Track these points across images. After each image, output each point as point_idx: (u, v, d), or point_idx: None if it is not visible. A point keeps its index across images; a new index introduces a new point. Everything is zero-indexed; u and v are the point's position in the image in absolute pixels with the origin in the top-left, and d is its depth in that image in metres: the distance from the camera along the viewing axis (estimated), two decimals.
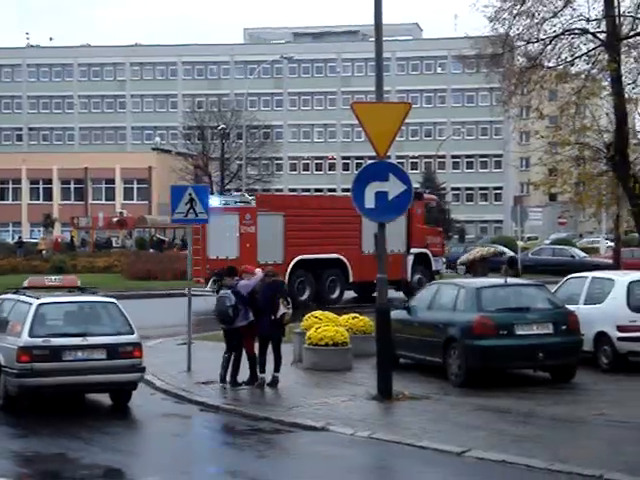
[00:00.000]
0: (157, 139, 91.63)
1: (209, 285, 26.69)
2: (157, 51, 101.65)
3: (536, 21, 22.92)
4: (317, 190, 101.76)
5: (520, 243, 44.08)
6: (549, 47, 23.20)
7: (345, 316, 18.87)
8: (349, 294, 31.87)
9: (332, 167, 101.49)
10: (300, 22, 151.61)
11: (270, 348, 15.82)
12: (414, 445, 11.38)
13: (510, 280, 17.55)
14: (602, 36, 22.57)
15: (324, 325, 17.48)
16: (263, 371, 15.74)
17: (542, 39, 23.19)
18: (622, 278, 17.55)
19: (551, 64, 23.77)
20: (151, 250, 54.95)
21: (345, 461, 11.32)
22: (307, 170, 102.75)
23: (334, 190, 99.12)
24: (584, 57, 23.23)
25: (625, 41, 22.48)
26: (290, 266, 28.67)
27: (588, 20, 22.77)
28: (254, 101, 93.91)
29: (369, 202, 14.50)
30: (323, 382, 16.06)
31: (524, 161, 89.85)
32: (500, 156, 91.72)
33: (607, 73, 22.51)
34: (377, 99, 15.11)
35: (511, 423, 12.45)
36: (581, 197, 24.71)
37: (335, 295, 30.12)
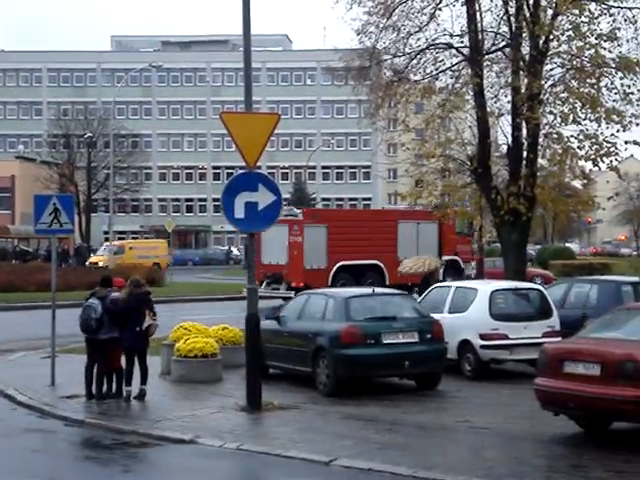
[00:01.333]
0: (21, 147, 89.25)
1: (263, 287, 31.45)
2: (21, 57, 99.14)
3: (402, 35, 23.32)
4: (187, 200, 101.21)
5: None
6: (414, 61, 23.63)
7: (215, 327, 18.78)
8: None
9: (202, 177, 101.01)
10: (169, 31, 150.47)
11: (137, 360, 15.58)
12: (282, 455, 11.38)
13: (377, 290, 17.81)
14: (465, 51, 23.12)
15: (193, 337, 17.33)
16: (130, 384, 15.47)
17: (408, 53, 23.60)
18: (484, 287, 18.04)
19: (417, 78, 24.22)
20: (14, 261, 53.36)
21: (213, 473, 11.24)
22: (177, 180, 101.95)
23: (204, 200, 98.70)
24: (448, 71, 23.76)
25: (487, 56, 23.09)
26: (333, 271, 33.08)
27: (452, 35, 23.30)
28: (122, 109, 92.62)
29: (239, 212, 14.46)
30: (192, 394, 15.91)
31: (392, 172, 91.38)
32: (369, 167, 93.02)
33: (470, 87, 23.07)
34: (246, 109, 15.09)
35: (378, 431, 12.59)
36: (446, 208, 25.30)
37: None
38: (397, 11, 23.13)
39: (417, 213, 36.81)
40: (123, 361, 15.62)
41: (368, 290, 17.54)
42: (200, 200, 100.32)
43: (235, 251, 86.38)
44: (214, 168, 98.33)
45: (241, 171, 15.31)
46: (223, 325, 19.05)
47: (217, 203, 70.07)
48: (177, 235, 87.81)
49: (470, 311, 17.50)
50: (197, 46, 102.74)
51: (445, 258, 35.63)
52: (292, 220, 33.77)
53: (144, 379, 15.51)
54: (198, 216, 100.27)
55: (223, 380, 16.93)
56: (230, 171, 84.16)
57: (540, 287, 19.37)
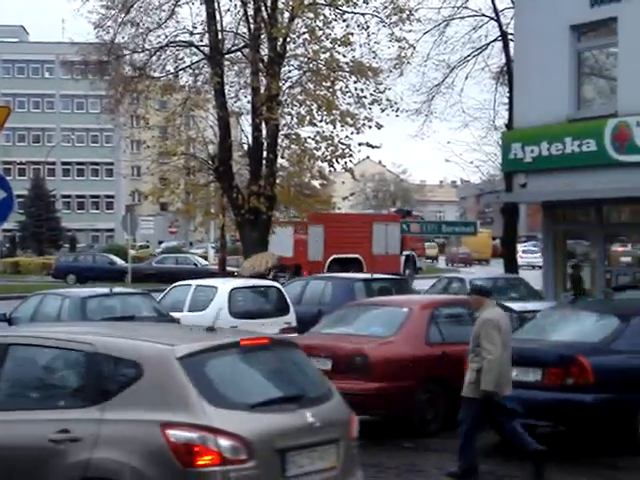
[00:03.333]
0: None
1: (270, 276, 34.18)
2: None
3: (141, 31, 23.06)
4: None
5: (132, 252, 44.12)
6: (154, 57, 23.43)
7: None
8: None
9: None
10: None
11: None
12: None
13: (115, 289, 17.48)
14: (206, 50, 23.16)
15: None
16: None
17: (147, 49, 23.36)
18: (224, 285, 18.10)
19: (157, 74, 24.02)
20: None
21: None
22: None
23: None
24: (189, 69, 23.75)
25: (227, 56, 23.26)
26: (327, 262, 37.80)
27: (192, 33, 23.30)
28: None
29: None
30: None
31: (135, 170, 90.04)
32: (111, 164, 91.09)
33: (211, 86, 23.16)
34: None
35: None
36: (189, 206, 25.29)
37: None
38: (136, 6, 22.84)
39: (386, 216, 44.94)
40: None
41: (105, 290, 17.17)
42: None
43: None
44: None
45: None
46: None
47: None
48: None
49: (210, 309, 17.50)
50: None
51: (404, 253, 42.00)
52: (297, 221, 38.57)
53: None
54: None
55: None
56: None
57: (277, 284, 19.71)
